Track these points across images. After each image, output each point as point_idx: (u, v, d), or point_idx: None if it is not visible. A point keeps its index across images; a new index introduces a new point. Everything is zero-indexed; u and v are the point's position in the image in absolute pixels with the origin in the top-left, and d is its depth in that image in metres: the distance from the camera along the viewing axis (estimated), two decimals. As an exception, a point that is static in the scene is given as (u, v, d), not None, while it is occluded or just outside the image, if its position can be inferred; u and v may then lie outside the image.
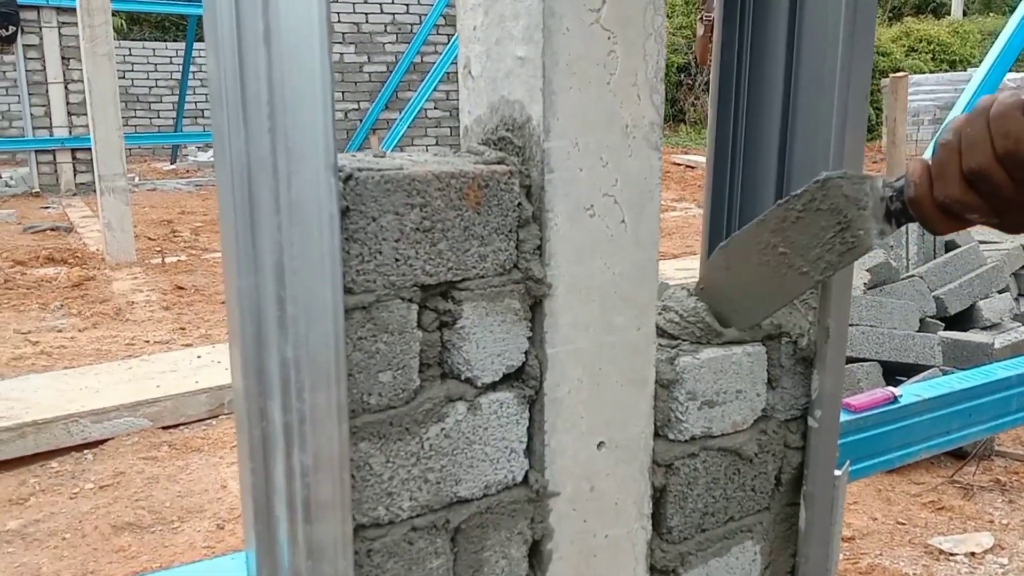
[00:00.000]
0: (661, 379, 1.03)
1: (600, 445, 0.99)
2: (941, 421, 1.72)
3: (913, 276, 3.85)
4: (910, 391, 1.69)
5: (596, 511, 1.01)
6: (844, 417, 1.55)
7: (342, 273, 0.75)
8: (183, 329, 4.52)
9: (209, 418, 3.14)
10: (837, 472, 1.17)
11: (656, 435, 1.05)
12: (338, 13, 12.80)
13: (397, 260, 0.79)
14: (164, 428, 3.09)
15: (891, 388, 1.66)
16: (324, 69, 0.70)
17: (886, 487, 2.54)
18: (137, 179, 11.77)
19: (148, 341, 4.27)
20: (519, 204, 0.87)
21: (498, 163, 0.85)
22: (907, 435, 1.66)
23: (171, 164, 14.11)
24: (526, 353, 0.92)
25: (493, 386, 0.91)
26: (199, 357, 3.54)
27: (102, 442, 2.95)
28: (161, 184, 11.73)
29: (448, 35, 12.70)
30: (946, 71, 16.93)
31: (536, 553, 0.98)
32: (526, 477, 0.95)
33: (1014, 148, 0.71)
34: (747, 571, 1.16)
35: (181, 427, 3.11)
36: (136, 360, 3.68)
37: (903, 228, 4.34)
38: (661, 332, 1.07)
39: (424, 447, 0.86)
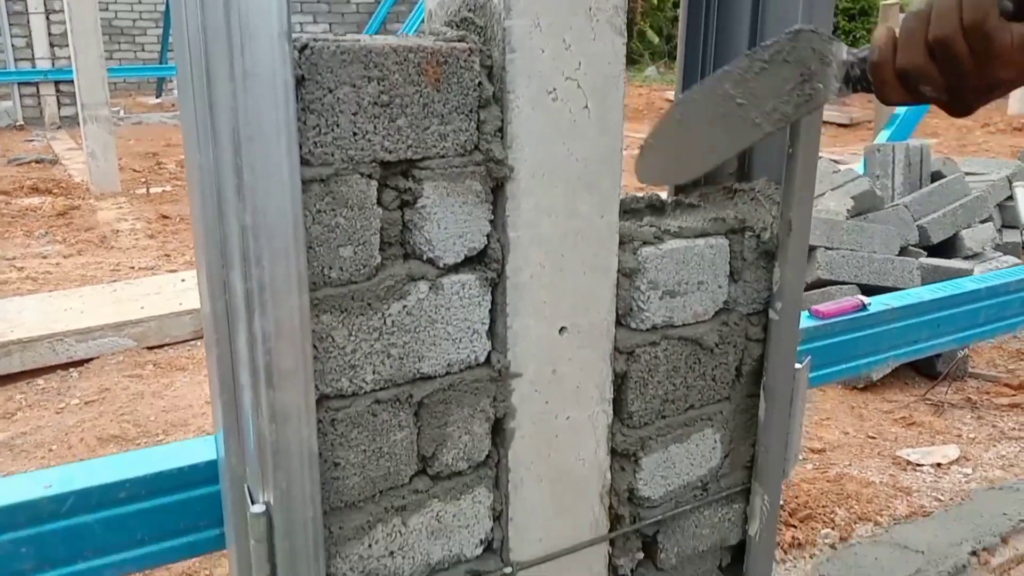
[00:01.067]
0: (623, 268, 1.05)
1: (562, 330, 1.02)
2: (909, 330, 1.75)
3: (897, 205, 3.86)
4: (879, 300, 1.72)
5: (558, 393, 1.04)
6: (812, 323, 1.58)
7: (299, 144, 0.76)
8: (168, 256, 4.53)
9: (194, 339, 3.17)
10: (797, 366, 1.20)
11: (618, 323, 1.08)
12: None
13: (355, 134, 0.80)
14: (149, 348, 3.12)
15: (860, 296, 1.69)
16: (275, -71, 0.70)
17: (859, 404, 2.60)
18: (122, 112, 11.60)
19: (133, 267, 4.27)
20: (480, 84, 0.87)
21: (458, 41, 0.85)
22: (875, 343, 1.69)
23: (156, 98, 13.88)
24: (488, 236, 0.94)
25: (455, 268, 0.93)
26: (183, 280, 3.55)
27: (87, 361, 2.98)
28: (146, 117, 11.57)
29: (438, -36, 12.37)
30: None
31: (499, 431, 1.01)
32: (489, 358, 0.98)
33: (981, 20, 0.72)
34: (707, 458, 1.20)
35: (166, 347, 3.14)
36: (120, 283, 3.69)
37: (890, 157, 4.33)
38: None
39: (386, 323, 0.88)
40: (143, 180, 6.86)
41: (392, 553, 0.96)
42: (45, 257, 4.41)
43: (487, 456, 1.01)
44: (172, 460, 1.00)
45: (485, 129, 0.89)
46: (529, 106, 0.91)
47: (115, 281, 3.87)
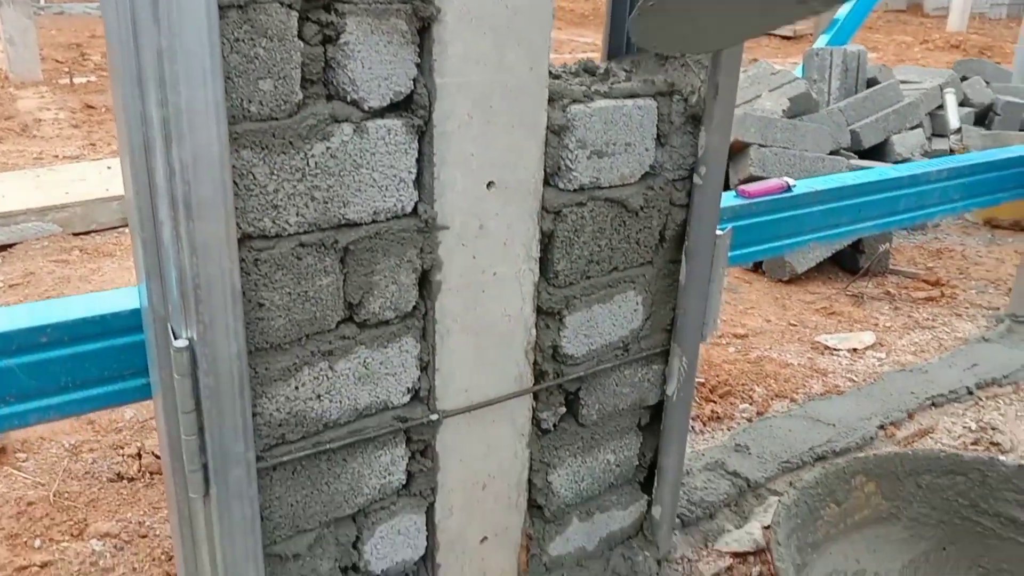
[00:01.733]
0: (552, 124, 1.05)
1: (490, 185, 1.03)
2: (832, 214, 1.80)
3: (832, 109, 3.91)
4: (804, 183, 1.76)
5: (485, 248, 1.05)
6: (738, 202, 1.62)
7: (215, -36, 0.73)
8: (93, 145, 4.36)
9: (121, 226, 3.08)
10: (719, 232, 1.24)
11: (546, 183, 1.09)
12: None
13: (275, -42, 0.78)
14: (75, 235, 3.03)
15: (787, 178, 1.73)
16: None
17: (783, 295, 2.69)
18: (43, 2, 10.92)
19: (57, 156, 4.11)
20: (405, -84, 0.85)
21: None
22: (798, 224, 1.74)
23: (79, -16, 13.07)
24: (415, 81, 0.93)
25: (381, 113, 0.92)
26: (109, 168, 3.42)
27: (10, 246, 2.89)
28: (69, 8, 10.92)
29: None
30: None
31: (426, 283, 1.02)
32: (416, 208, 0.98)
33: None
34: (629, 319, 1.24)
35: (92, 234, 3.05)
36: (44, 169, 3.55)
37: (827, 62, 4.36)
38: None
39: (309, 164, 0.87)
40: (66, 70, 6.53)
41: (319, 396, 0.97)
42: (-38, 144, 4.21)
43: (414, 307, 1.02)
44: (95, 307, 0.99)
45: (411, -33, 0.87)
46: (457, -54, 0.89)
47: (39, 167, 3.72)
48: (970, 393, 2.04)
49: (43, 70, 6.31)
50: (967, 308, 2.66)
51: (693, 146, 1.20)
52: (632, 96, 1.12)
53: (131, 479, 1.65)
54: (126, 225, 3.10)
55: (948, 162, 2.07)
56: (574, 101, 1.07)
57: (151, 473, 1.66)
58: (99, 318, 0.98)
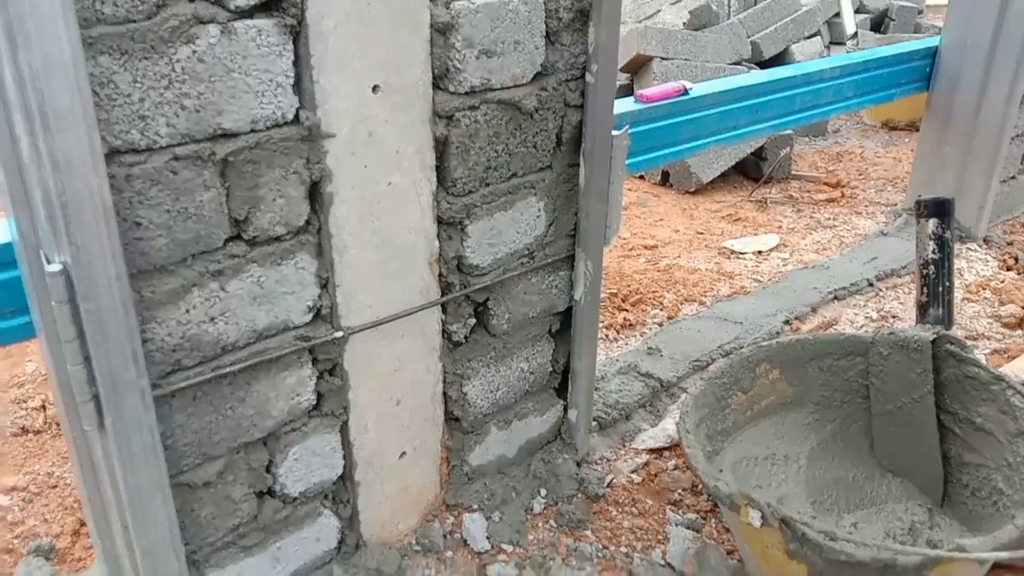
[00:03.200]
0: (436, 23, 1.02)
1: (375, 88, 0.99)
2: (729, 115, 1.82)
3: (732, 21, 3.94)
4: (701, 86, 1.77)
5: (376, 157, 1.02)
6: (636, 106, 1.62)
7: None
8: None
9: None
10: (615, 132, 1.23)
11: (436, 87, 1.06)
12: None
13: None
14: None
15: (684, 81, 1.73)
16: None
17: (690, 207, 2.73)
18: None
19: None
20: None
21: None
22: (697, 127, 1.75)
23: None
24: (284, -22, 0.88)
25: (250, 12, 0.87)
26: None
27: None
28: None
29: None
30: None
31: (317, 197, 0.99)
32: (297, 116, 0.94)
33: None
34: (532, 226, 1.23)
35: None
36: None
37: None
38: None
39: (175, 70, 0.82)
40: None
41: (213, 319, 0.94)
42: None
43: (307, 222, 0.99)
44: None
45: None
46: None
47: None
48: (870, 285, 2.12)
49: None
50: (867, 207, 2.75)
51: (583, 43, 1.18)
52: (518, -8, 1.09)
53: (37, 432, 1.59)
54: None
55: (841, 60, 2.10)
56: (457, -1, 1.04)
57: (57, 424, 1.60)
58: (-32, 253, 0.92)
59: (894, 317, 2.02)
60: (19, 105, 0.73)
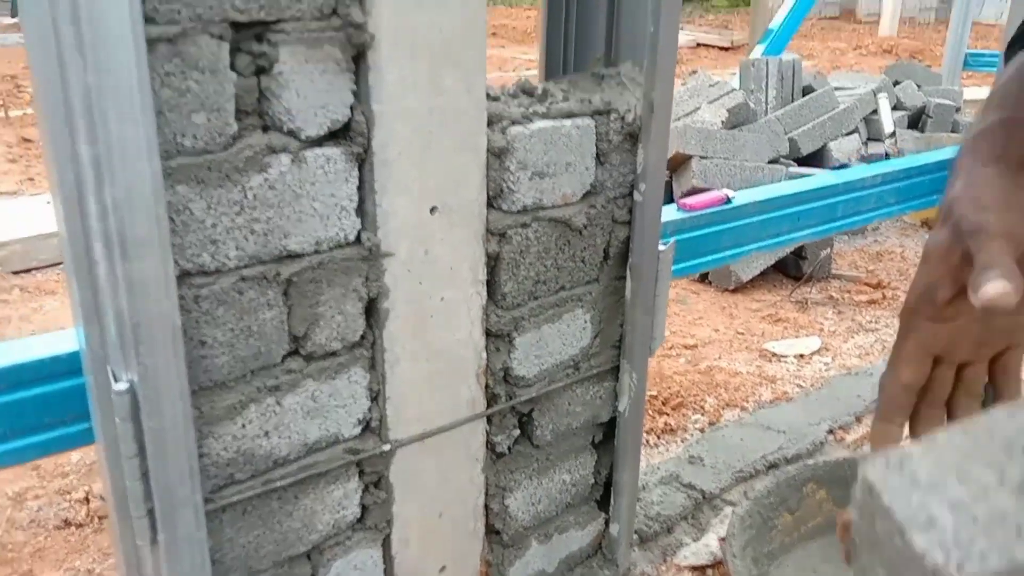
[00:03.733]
0: (492, 147, 1.06)
1: (433, 210, 1.02)
2: (771, 223, 1.84)
3: (770, 118, 4.00)
4: (743, 194, 1.79)
5: (431, 274, 1.05)
6: (679, 215, 1.64)
7: (141, 0, 0.72)
8: (32, 180, 4.24)
9: (62, 263, 3.00)
10: (661, 246, 1.25)
11: (489, 205, 1.09)
12: None
13: (203, -8, 0.77)
14: (14, 273, 2.94)
15: (726, 190, 1.76)
16: None
17: (730, 305, 2.73)
18: (-28, 31, 10.65)
19: (-8, 192, 4.00)
20: (335, -55, 0.85)
21: (309, -102, 0.82)
22: (739, 235, 1.77)
23: (11, 18, 12.79)
24: (352, 109, 0.92)
25: (319, 141, 0.91)
26: (49, 203, 3.33)
27: (-54, 288, 2.80)
28: (2, 39, 10.67)
29: None
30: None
31: (373, 312, 1.02)
32: (359, 236, 0.97)
33: None
34: (578, 337, 1.25)
35: (33, 272, 2.97)
36: (-21, 208, 3.46)
37: (764, 71, 4.46)
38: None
39: (248, 196, 0.86)
40: (1, 103, 6.37)
41: (267, 433, 0.96)
42: None
43: (362, 336, 1.01)
44: (33, 352, 0.96)
45: (344, -4, 0.87)
46: (389, -26, 0.89)
47: (-28, 205, 3.62)
48: (915, 392, 2.09)
49: (-26, 104, 6.14)
50: (908, 309, 2.73)
51: (632, 163, 1.21)
52: (570, 116, 1.13)
53: (79, 525, 1.60)
54: (65, 261, 3.03)
55: (882, 167, 2.12)
56: (513, 123, 1.08)
57: (100, 518, 1.62)
58: (38, 363, 0.96)
59: (941, 427, 1.98)
60: (100, 234, 0.77)
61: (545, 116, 1.11)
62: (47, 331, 2.07)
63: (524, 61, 8.73)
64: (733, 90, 4.01)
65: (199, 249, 0.84)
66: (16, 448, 0.98)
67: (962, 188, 0.77)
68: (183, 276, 0.84)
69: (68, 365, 0.97)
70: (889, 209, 2.14)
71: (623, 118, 1.16)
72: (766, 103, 4.41)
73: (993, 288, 0.65)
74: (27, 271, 3.03)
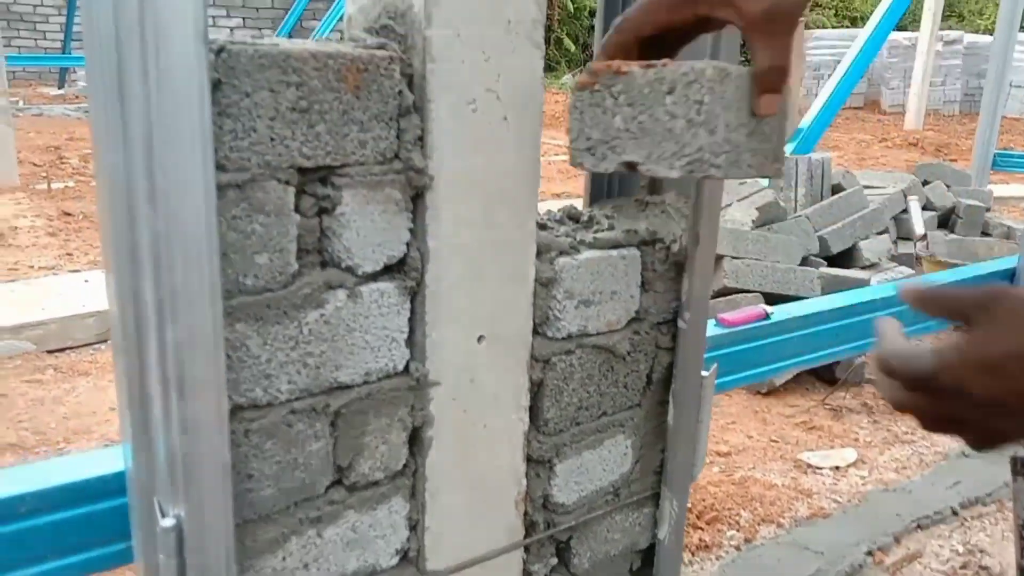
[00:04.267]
0: (540, 277, 1.07)
1: (480, 339, 1.03)
2: (810, 339, 1.83)
3: (800, 216, 4.02)
4: (781, 310, 1.79)
5: (476, 402, 1.04)
6: (718, 331, 1.64)
7: (214, 148, 0.75)
8: (70, 255, 4.34)
9: (97, 343, 3.04)
10: (704, 373, 1.25)
11: (535, 332, 1.09)
12: (240, -66, 12.22)
13: (272, 139, 0.79)
14: (49, 352, 2.98)
15: (764, 306, 1.75)
16: (193, -68, 0.68)
17: (763, 409, 2.69)
18: (22, 103, 11.06)
19: (32, 266, 4.08)
20: (400, 92, 0.87)
21: (378, 48, 0.85)
22: (778, 350, 1.76)
23: (59, 89, 13.31)
24: (408, 244, 0.94)
25: (374, 276, 0.92)
26: (87, 281, 3.41)
27: (-19, 366, 2.84)
28: (48, 109, 11.07)
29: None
30: (847, 27, 17.45)
31: (416, 440, 1.01)
32: (407, 366, 0.98)
33: None
34: (619, 464, 1.23)
35: (68, 351, 3.01)
36: (19, 283, 3.52)
37: (793, 170, 4.50)
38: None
39: (303, 332, 0.87)
40: (44, 175, 6.56)
41: (306, 565, 0.95)
42: (-66, 255, 4.18)
43: (404, 465, 1.01)
44: (76, 471, 0.97)
45: (405, 138, 0.89)
46: (449, 116, 0.91)
47: (13, 281, 3.69)
48: (955, 513, 2.04)
49: (20, 175, 6.34)
50: (945, 419, 2.68)
51: (676, 290, 1.21)
52: (616, 246, 1.14)
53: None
54: (102, 341, 3.07)
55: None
56: (561, 253, 1.09)
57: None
58: (82, 483, 0.96)
59: (981, 551, 1.92)
60: (158, 373, 0.78)
61: (592, 246, 1.12)
62: (79, 416, 2.08)
63: (554, 147, 8.88)
64: (763, 188, 4.05)
65: (252, 384, 0.85)
66: (55, 569, 0.97)
67: None
68: (235, 410, 0.85)
69: (111, 485, 0.97)
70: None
71: (668, 248, 1.17)
72: (795, 201, 4.45)
73: None
74: (62, 350, 3.06)
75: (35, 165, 7.06)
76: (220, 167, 0.76)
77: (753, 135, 0.86)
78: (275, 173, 0.80)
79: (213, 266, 0.76)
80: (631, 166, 0.89)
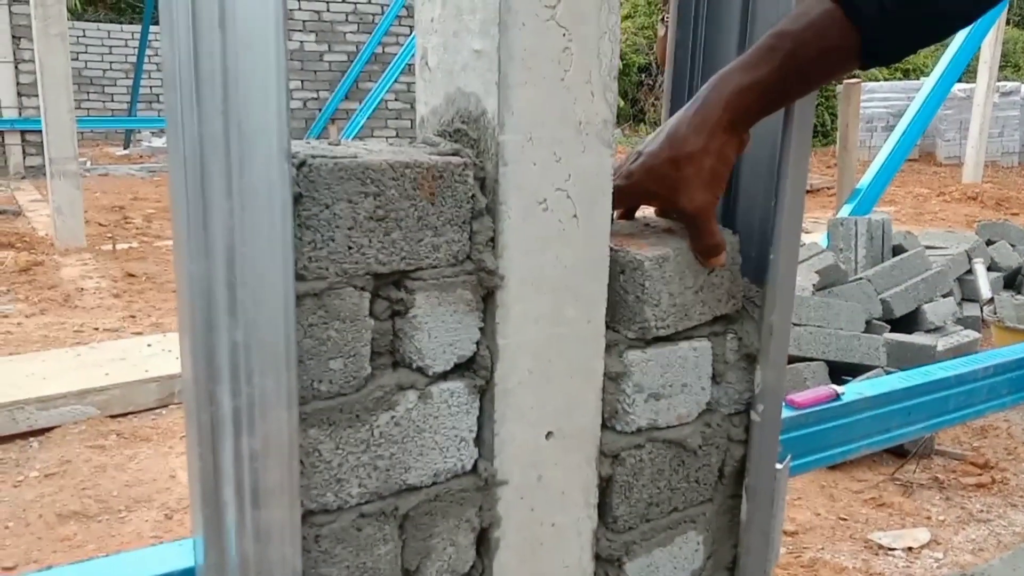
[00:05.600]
0: (609, 372, 1.05)
1: (548, 435, 1.01)
2: (881, 419, 1.77)
3: (861, 279, 3.94)
4: (852, 389, 1.74)
5: (543, 500, 1.02)
6: (787, 413, 1.59)
7: (294, 260, 0.76)
8: (133, 317, 4.45)
9: (159, 407, 3.09)
10: (778, 466, 1.21)
11: (603, 426, 1.07)
12: (299, 0, 12.67)
13: (350, 248, 0.80)
14: (112, 417, 3.03)
15: (834, 386, 1.70)
16: (279, 53, 0.70)
17: (829, 484, 2.60)
18: (89, 164, 11.52)
19: (97, 329, 4.19)
20: (473, 196, 0.88)
21: (453, 155, 0.86)
22: (848, 432, 1.70)
23: (124, 149, 13.85)
24: (477, 343, 0.93)
25: (444, 375, 0.92)
26: (149, 346, 3.48)
27: (48, 430, 2.89)
28: (113, 169, 11.50)
29: (410, 26, 12.64)
30: (900, 79, 17.32)
31: (483, 540, 0.99)
32: (475, 465, 0.96)
33: None
34: (690, 560, 1.19)
35: (130, 416, 3.06)
36: (84, 347, 3.61)
37: (852, 231, 4.43)
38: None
39: (374, 434, 0.87)
40: (109, 235, 6.78)
41: (372, 669, 0.93)
42: (6, 317, 4.31)
43: (471, 567, 0.99)
44: (146, 567, 0.97)
45: (477, 239, 0.89)
46: (520, 216, 0.91)
47: (79, 344, 3.78)
48: (1041, 603, 1.93)
49: (86, 235, 6.55)
50: (1021, 497, 2.56)
51: (749, 381, 1.18)
52: (687, 338, 1.12)
53: None
54: (163, 406, 3.12)
55: (994, 358, 2.04)
56: (630, 347, 1.07)
57: None
58: (150, 580, 0.95)
59: (1073, 645, 1.81)
60: (232, 480, 0.78)
61: (661, 339, 1.10)
62: (140, 483, 2.10)
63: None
64: (823, 251, 3.99)
65: (324, 489, 0.84)
66: (121, 666, 0.96)
67: None
68: (305, 515, 0.84)
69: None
70: (1002, 400, 2.04)
71: (740, 339, 1.15)
72: (856, 262, 4.37)
73: None
74: (124, 415, 3.12)
75: (101, 225, 7.30)
76: (299, 276, 0.77)
77: (700, 291, 1.09)
78: (351, 280, 0.81)
79: (291, 374, 0.76)
80: None
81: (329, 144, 0.85)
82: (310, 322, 0.79)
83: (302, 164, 0.76)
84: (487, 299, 0.92)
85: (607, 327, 1.07)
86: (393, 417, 0.88)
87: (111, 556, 1.02)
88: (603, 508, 1.10)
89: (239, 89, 0.70)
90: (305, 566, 0.84)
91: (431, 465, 0.92)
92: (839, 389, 1.70)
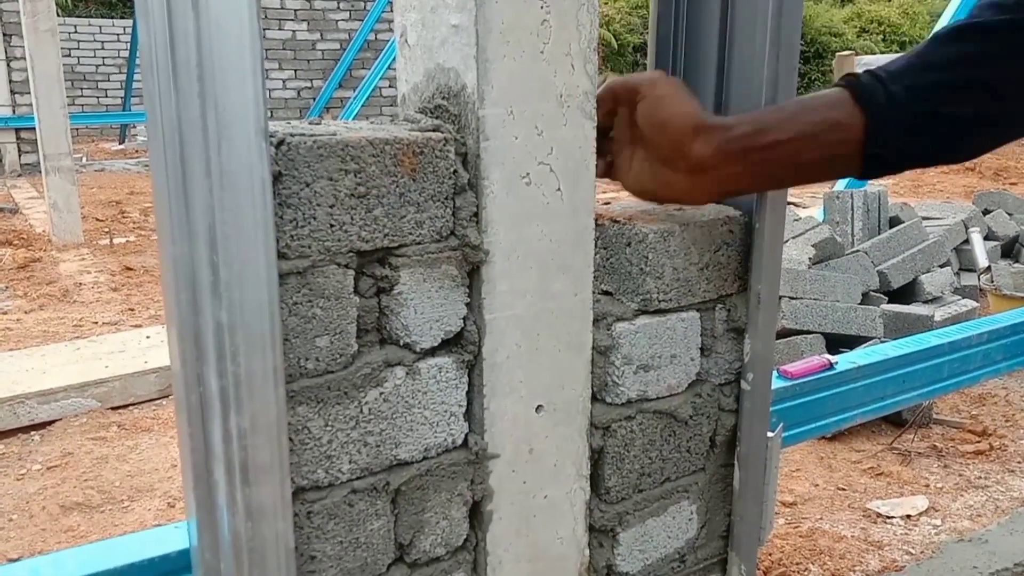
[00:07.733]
0: (598, 344, 1.06)
1: (539, 408, 1.02)
2: (876, 387, 1.78)
3: (858, 251, 3.94)
4: (845, 359, 1.74)
5: (535, 473, 1.03)
6: (781, 383, 1.60)
7: (276, 238, 0.76)
8: (132, 310, 4.46)
9: (159, 398, 3.11)
10: (770, 434, 1.22)
11: (593, 398, 1.08)
12: (290, -11, 12.61)
13: (332, 226, 0.80)
14: (113, 409, 3.05)
15: (827, 355, 1.71)
16: (253, 34, 0.70)
17: (828, 455, 2.62)
18: (84, 159, 11.50)
19: (96, 322, 4.20)
20: (455, 171, 0.88)
21: (433, 130, 0.86)
22: (843, 401, 1.71)
23: (119, 144, 13.82)
24: (464, 319, 0.94)
25: (432, 351, 0.92)
26: (148, 337, 3.49)
27: (49, 423, 2.91)
28: (109, 164, 11.48)
29: (402, 13, 12.54)
30: (896, 52, 17.24)
31: (476, 514, 1.00)
32: (466, 440, 0.97)
33: None
34: (684, 530, 1.20)
35: (130, 407, 3.08)
36: (84, 341, 3.62)
37: (848, 204, 4.42)
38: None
39: (363, 411, 0.87)
40: (106, 230, 6.78)
41: (370, 643, 0.94)
42: (5, 313, 4.32)
43: (465, 540, 1.00)
44: (144, 550, 0.98)
45: (460, 215, 0.90)
46: (503, 191, 0.92)
47: (78, 338, 3.79)
48: (1038, 565, 1.94)
49: (84, 231, 6.55)
50: (1019, 463, 2.57)
51: (738, 351, 1.19)
52: (675, 311, 1.12)
53: None
54: (164, 397, 3.13)
55: (988, 324, 2.05)
56: (618, 320, 1.08)
57: None
58: (148, 562, 0.97)
59: (1070, 606, 1.83)
60: (222, 459, 0.78)
61: (650, 312, 1.11)
62: (142, 473, 2.11)
63: (601, 197, 8.87)
64: (819, 224, 3.98)
65: (314, 466, 0.85)
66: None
67: None
68: (297, 492, 0.85)
69: (176, 564, 0.98)
70: (996, 367, 2.05)
71: (729, 311, 1.15)
72: (852, 235, 4.36)
73: None
74: (125, 407, 3.13)
75: (98, 220, 7.29)
76: (281, 255, 0.78)
77: (705, 268, 1.10)
78: (335, 258, 0.81)
79: (276, 353, 0.77)
80: (606, 293, 1.10)
81: (309, 123, 0.85)
82: (294, 300, 0.80)
83: (280, 143, 0.76)
84: (472, 274, 0.93)
85: (610, 296, 1.08)
86: (382, 393, 0.88)
87: (111, 539, 1.04)
88: (595, 479, 1.11)
89: (215, 71, 0.71)
90: (298, 542, 0.85)
91: (421, 440, 0.93)
92: (832, 359, 1.70)
